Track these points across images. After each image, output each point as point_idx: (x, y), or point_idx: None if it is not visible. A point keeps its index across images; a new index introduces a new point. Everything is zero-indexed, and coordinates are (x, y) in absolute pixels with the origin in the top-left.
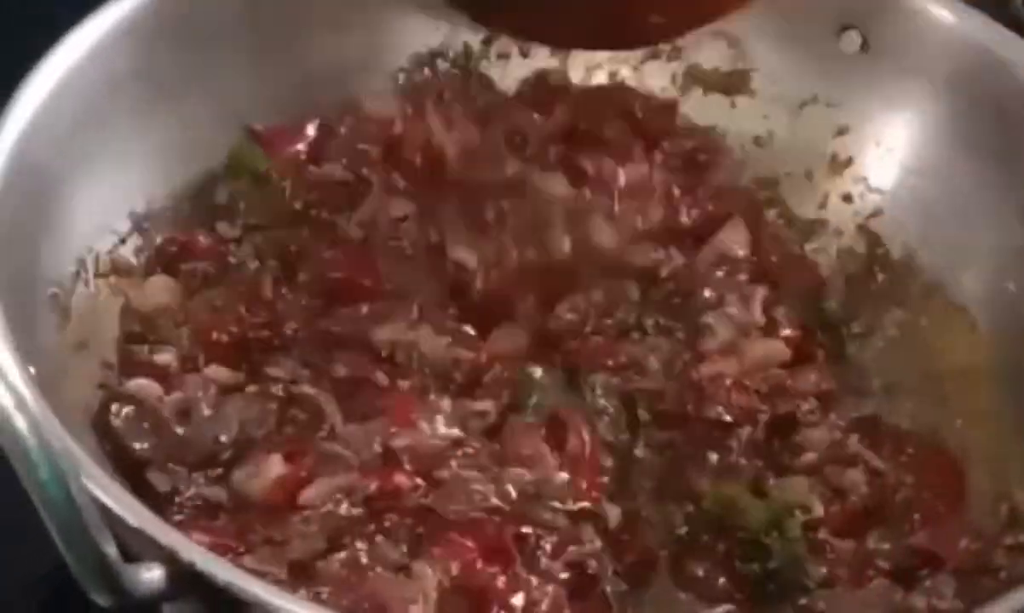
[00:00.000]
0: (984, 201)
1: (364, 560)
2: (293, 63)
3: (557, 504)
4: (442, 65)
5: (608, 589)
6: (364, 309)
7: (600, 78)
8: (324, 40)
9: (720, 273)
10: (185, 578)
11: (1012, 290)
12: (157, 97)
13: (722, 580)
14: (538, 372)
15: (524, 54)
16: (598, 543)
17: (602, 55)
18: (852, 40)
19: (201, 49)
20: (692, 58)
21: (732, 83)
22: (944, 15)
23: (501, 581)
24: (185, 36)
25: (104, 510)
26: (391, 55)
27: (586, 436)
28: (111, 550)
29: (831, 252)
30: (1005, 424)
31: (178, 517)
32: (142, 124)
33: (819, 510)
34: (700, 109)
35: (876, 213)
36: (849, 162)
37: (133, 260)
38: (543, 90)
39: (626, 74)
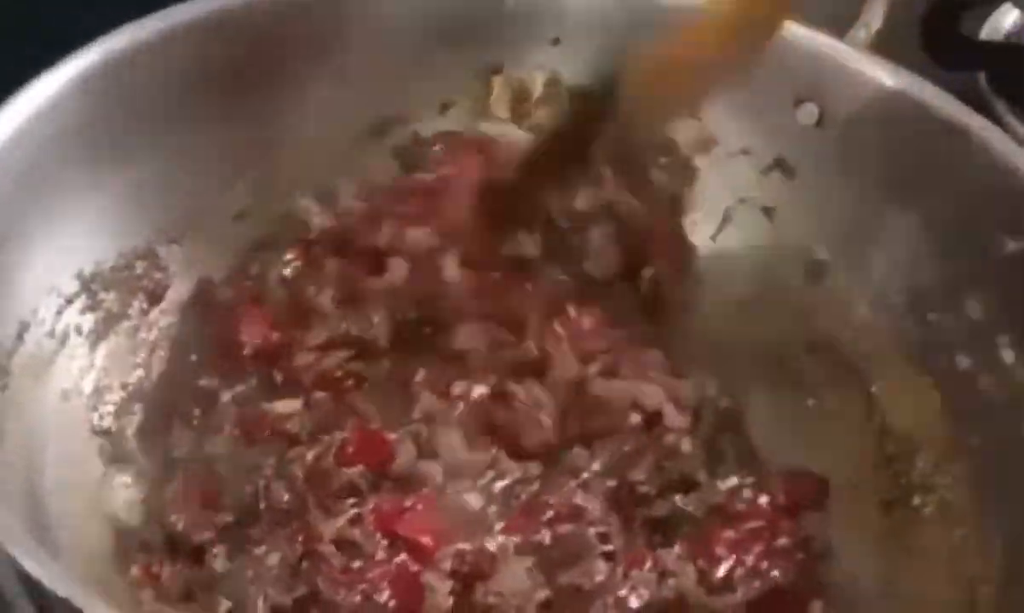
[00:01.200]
0: (937, 275)
1: None
2: (250, 122)
3: None
4: None
5: None
6: None
7: None
8: (285, 102)
9: None
10: None
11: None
12: (107, 157)
13: None
14: None
15: None
16: None
17: None
18: (810, 112)
19: (151, 111)
20: None
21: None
22: (890, 83)
23: None
24: (136, 97)
25: (27, 579)
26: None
27: None
28: None
29: None
30: None
31: None
32: (91, 184)
33: None
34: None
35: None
36: None
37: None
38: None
39: None
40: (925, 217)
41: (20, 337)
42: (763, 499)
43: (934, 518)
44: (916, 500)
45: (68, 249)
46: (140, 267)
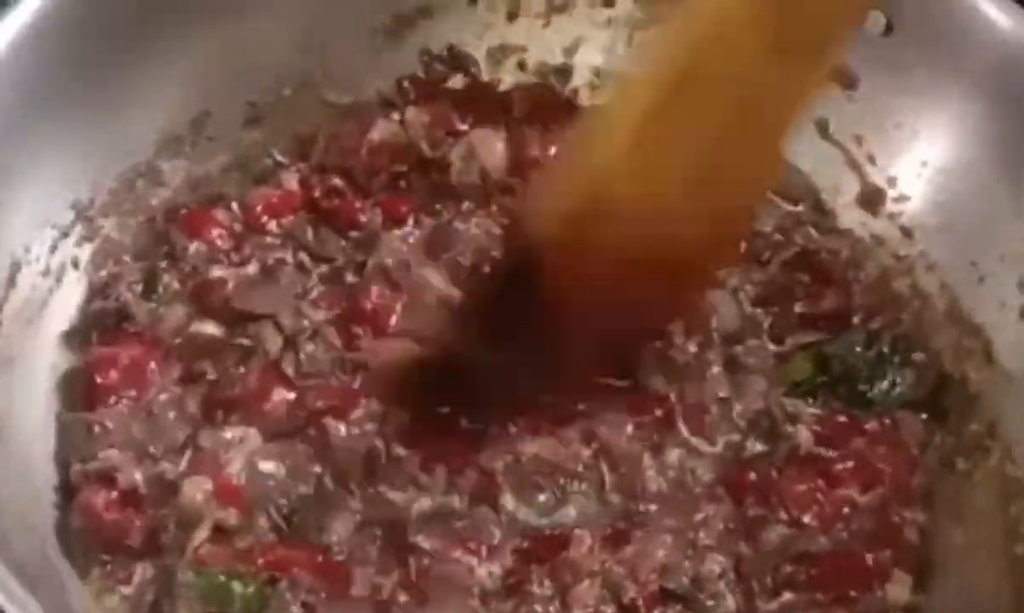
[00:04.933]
0: (1005, 208)
1: None
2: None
3: None
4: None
5: None
6: None
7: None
8: (256, 29)
9: None
10: None
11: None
12: (93, 85)
13: None
14: None
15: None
16: None
17: None
18: (877, 21)
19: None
20: None
21: None
22: (971, 4)
23: None
24: (116, 22)
25: None
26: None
27: None
28: None
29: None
30: None
31: None
32: (77, 114)
33: None
34: None
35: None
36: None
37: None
38: None
39: None
40: (992, 143)
41: (12, 281)
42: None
43: (984, 485)
44: (961, 464)
45: (61, 179)
46: (141, 186)
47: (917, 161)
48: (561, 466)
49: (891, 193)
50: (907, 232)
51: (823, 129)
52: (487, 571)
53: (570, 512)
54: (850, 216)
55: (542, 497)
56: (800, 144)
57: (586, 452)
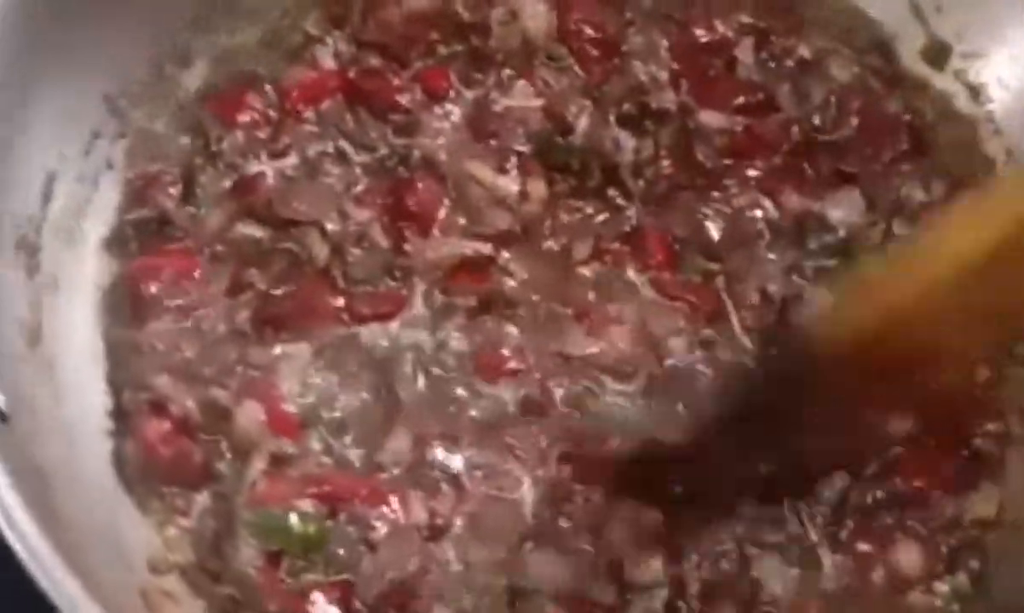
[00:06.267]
0: None
1: None
2: None
3: None
4: None
5: None
6: None
7: None
8: None
9: None
10: None
11: None
12: None
13: None
14: None
15: None
16: None
17: None
18: None
19: None
20: None
21: None
22: None
23: None
24: None
25: None
26: None
27: None
28: None
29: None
30: None
31: None
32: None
33: None
34: None
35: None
36: None
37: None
38: None
39: None
40: None
41: (49, 194)
42: None
43: None
44: None
45: (89, 74)
46: (170, 69)
47: (986, 18)
48: (610, 367)
49: (958, 48)
50: (974, 91)
51: None
52: (533, 479)
53: (613, 415)
54: (917, 70)
55: (589, 401)
56: None
57: (638, 351)
